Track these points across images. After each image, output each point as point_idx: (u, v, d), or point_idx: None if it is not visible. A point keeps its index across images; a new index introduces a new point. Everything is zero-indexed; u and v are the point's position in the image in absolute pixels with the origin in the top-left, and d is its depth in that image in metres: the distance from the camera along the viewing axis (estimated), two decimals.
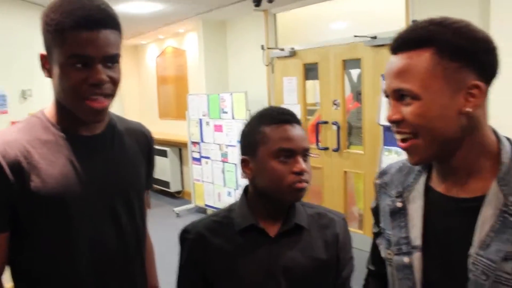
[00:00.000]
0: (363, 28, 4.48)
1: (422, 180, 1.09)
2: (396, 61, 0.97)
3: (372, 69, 4.34)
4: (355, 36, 4.38)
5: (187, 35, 6.94)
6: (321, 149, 4.89)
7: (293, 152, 1.23)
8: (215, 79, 6.22)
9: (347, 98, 5.27)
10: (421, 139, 0.96)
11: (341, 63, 4.67)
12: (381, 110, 3.76)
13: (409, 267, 1.06)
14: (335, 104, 4.73)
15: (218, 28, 6.21)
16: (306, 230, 1.32)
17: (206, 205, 6.13)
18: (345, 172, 4.72)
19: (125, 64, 8.33)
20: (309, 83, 5.42)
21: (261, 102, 5.51)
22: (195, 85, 6.68)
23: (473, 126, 0.97)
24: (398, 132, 0.99)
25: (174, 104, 7.54)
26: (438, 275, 1.03)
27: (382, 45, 4.15)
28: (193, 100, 6.14)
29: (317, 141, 4.90)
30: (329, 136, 4.83)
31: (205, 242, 1.32)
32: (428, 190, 1.08)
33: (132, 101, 8.49)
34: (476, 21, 3.49)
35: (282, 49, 5.26)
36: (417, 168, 1.11)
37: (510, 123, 3.17)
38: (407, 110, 0.95)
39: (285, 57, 5.24)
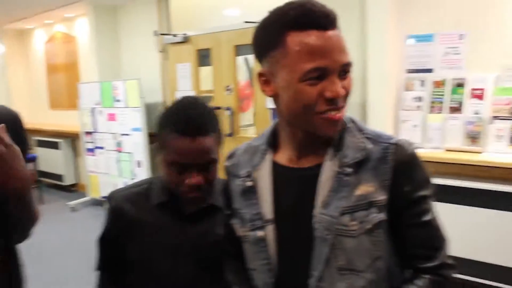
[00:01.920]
0: (255, 14, 4.51)
1: (268, 157, 1.16)
2: (336, 37, 0.98)
3: None
4: (246, 22, 4.40)
5: (77, 20, 6.61)
6: None
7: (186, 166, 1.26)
8: (108, 66, 5.99)
9: (244, 85, 5.30)
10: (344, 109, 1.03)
11: (233, 49, 4.68)
12: None
13: (263, 240, 1.12)
14: (228, 90, 4.74)
15: (109, 13, 5.97)
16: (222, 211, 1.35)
17: (102, 197, 5.92)
18: None
19: (10, 50, 7.83)
20: (206, 69, 5.38)
21: (155, 90, 5.41)
22: (87, 73, 6.39)
23: None
24: (338, 108, 1.00)
25: (66, 93, 7.17)
26: (290, 242, 1.10)
27: None
28: (85, 88, 5.88)
29: None
30: (222, 122, 4.83)
31: (122, 212, 1.37)
32: (275, 166, 1.14)
33: (20, 91, 7.96)
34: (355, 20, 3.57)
35: (175, 35, 5.17)
36: (262, 147, 1.17)
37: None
38: (346, 83, 1.00)
39: (178, 43, 5.16)
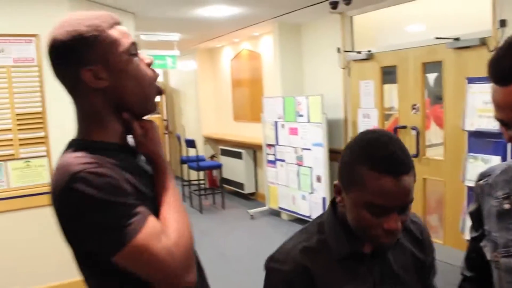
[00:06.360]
0: (442, 30, 4.32)
1: None
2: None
3: (455, 72, 4.18)
4: (437, 38, 4.23)
5: (262, 38, 7.00)
6: None
7: (388, 209, 1.05)
8: (291, 82, 6.23)
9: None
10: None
11: (421, 66, 4.54)
12: (466, 116, 3.61)
13: None
14: (414, 109, 4.60)
15: (293, 31, 6.22)
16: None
17: (280, 208, 6.16)
18: (424, 179, 4.57)
19: (200, 67, 8.62)
20: (389, 87, 5.30)
21: (337, 106, 5.48)
22: (270, 88, 6.73)
23: None
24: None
25: (249, 106, 7.64)
26: None
27: (465, 47, 4.00)
28: (269, 102, 6.20)
29: None
30: (407, 142, 4.71)
31: (308, 274, 1.15)
32: None
33: (208, 103, 8.72)
34: None
35: (359, 52, 5.18)
36: None
37: None
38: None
39: (362, 60, 5.17)
